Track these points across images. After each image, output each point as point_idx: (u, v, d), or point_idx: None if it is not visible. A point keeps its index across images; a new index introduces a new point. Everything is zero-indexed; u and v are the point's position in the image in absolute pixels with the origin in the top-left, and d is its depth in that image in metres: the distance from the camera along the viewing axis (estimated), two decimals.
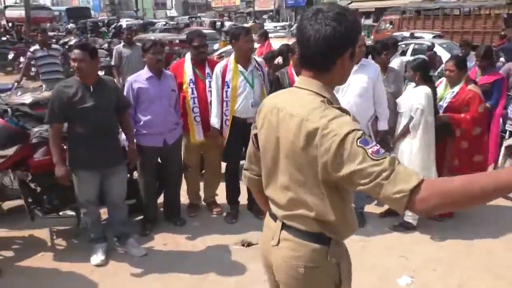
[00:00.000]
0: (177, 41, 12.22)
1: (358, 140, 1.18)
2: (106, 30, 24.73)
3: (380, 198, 1.16)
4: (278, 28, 25.64)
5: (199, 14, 43.57)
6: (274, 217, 1.53)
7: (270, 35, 16.82)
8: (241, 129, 3.73)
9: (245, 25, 22.12)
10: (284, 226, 1.47)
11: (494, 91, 4.45)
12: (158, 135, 3.62)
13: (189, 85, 3.81)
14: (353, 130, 1.20)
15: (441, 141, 3.81)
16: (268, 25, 26.58)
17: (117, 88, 3.38)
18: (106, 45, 14.49)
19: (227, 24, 25.57)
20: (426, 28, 18.78)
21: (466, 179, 1.09)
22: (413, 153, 3.66)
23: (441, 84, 4.09)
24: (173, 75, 3.80)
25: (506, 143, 4.60)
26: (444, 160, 3.87)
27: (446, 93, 3.93)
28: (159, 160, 3.86)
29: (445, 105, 3.85)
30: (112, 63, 7.18)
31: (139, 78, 3.62)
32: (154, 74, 3.60)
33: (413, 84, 3.89)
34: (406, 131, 3.72)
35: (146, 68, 3.67)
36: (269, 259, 1.56)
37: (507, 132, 4.69)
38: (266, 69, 4.17)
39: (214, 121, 3.79)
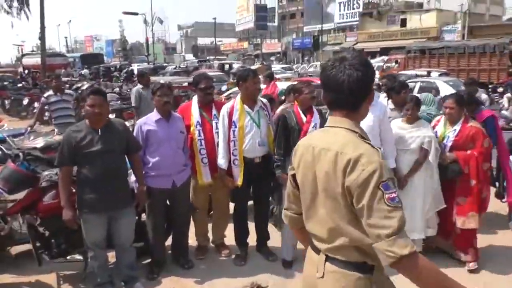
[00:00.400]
0: (186, 83, 12.50)
1: (381, 184, 1.36)
2: (118, 75, 25.49)
3: (373, 244, 1.38)
4: (285, 69, 26.20)
5: (208, 57, 44.84)
6: (316, 250, 1.63)
7: (277, 76, 17.17)
8: (249, 168, 3.74)
9: (253, 67, 22.69)
10: (328, 259, 1.56)
11: (488, 129, 4.19)
12: (167, 176, 3.63)
13: (196, 127, 3.86)
14: (380, 171, 1.38)
15: (450, 180, 3.76)
16: (276, 67, 27.19)
17: (127, 130, 3.43)
18: (117, 89, 14.86)
19: (235, 66, 26.19)
20: (431, 66, 19.02)
21: (442, 274, 1.37)
22: (435, 186, 3.79)
23: (440, 123, 4.02)
24: (181, 117, 3.86)
25: None
26: (453, 199, 3.79)
27: (447, 131, 3.87)
28: (167, 202, 3.85)
29: (449, 144, 3.81)
30: (133, 103, 7.57)
31: (148, 121, 3.69)
32: (163, 116, 3.66)
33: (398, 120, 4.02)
34: (419, 165, 3.75)
35: (155, 110, 3.74)
36: None
37: None
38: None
39: (221, 161, 3.80)
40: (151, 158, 3.61)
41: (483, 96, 7.33)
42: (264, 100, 4.02)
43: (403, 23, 39.07)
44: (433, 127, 4.00)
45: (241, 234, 4.04)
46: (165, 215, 3.82)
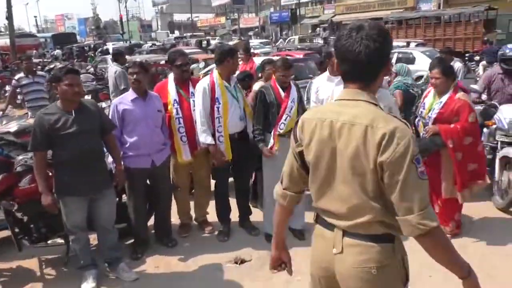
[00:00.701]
0: (163, 61, 12.26)
1: (415, 157, 1.36)
2: (92, 55, 24.78)
3: (400, 217, 1.38)
4: (263, 44, 25.93)
5: (185, 34, 43.91)
6: (330, 227, 1.57)
7: (256, 51, 16.93)
8: (229, 145, 3.75)
9: (231, 42, 22.34)
10: (346, 234, 1.52)
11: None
12: (146, 156, 3.60)
13: (174, 105, 3.80)
14: (413, 145, 1.37)
15: (435, 153, 3.74)
16: (254, 42, 26.88)
17: (100, 110, 3.35)
18: (92, 69, 14.47)
19: (213, 42, 25.79)
20: (408, 36, 19.12)
21: (453, 247, 1.43)
22: None
23: (430, 94, 3.88)
24: (158, 95, 3.79)
25: (499, 154, 4.37)
26: (438, 172, 3.78)
27: (435, 103, 3.75)
28: (147, 182, 3.83)
29: (434, 116, 3.71)
30: (121, 86, 6.61)
31: (124, 100, 3.62)
32: (139, 95, 3.60)
33: None
34: None
35: (130, 89, 3.67)
36: (331, 269, 1.57)
37: (499, 143, 4.48)
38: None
39: (207, 138, 3.69)
40: (129, 138, 3.56)
41: (457, 65, 7.38)
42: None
43: None
44: (423, 98, 3.95)
45: (223, 210, 4.06)
46: (145, 195, 3.80)
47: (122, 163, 3.46)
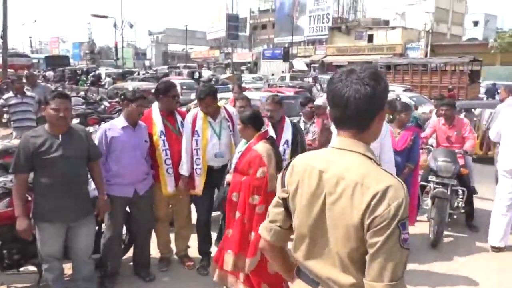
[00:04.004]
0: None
1: (401, 222, 1.24)
2: (84, 78, 24.83)
3: (367, 281, 1.26)
4: (255, 79, 26.36)
5: (178, 64, 44.45)
6: (313, 283, 1.44)
7: (248, 86, 17.13)
8: (209, 176, 3.73)
9: (223, 75, 22.62)
10: None
11: (415, 146, 4.53)
12: (129, 185, 3.53)
13: (160, 137, 3.75)
14: (404, 208, 1.25)
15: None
16: (246, 76, 27.31)
17: (88, 136, 3.30)
18: (82, 93, 14.46)
19: (205, 74, 26.13)
20: (396, 81, 19.65)
21: None
22: None
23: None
24: (146, 126, 3.76)
25: (431, 194, 4.78)
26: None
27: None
28: (128, 211, 3.73)
29: (233, 164, 3.42)
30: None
31: (114, 127, 3.57)
32: (130, 124, 3.57)
33: None
34: None
35: (121, 116, 3.63)
36: None
37: (431, 183, 4.85)
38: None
39: (181, 169, 3.74)
40: (114, 165, 3.50)
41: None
42: (232, 110, 3.99)
43: (370, 38, 40.30)
44: None
45: (203, 243, 3.98)
46: (123, 225, 3.70)
47: (105, 192, 3.38)
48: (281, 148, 3.68)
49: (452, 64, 19.58)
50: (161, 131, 3.77)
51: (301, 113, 5.49)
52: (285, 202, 1.50)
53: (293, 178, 1.46)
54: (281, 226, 1.54)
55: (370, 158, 1.36)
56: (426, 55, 33.51)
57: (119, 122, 3.61)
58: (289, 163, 1.53)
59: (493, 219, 4.57)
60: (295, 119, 4.50)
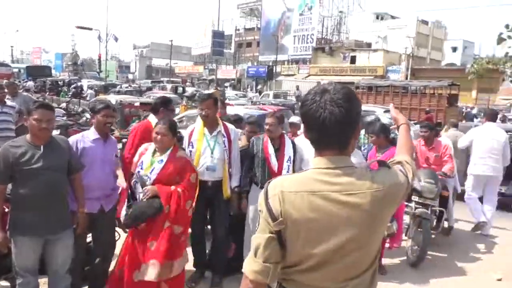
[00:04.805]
0: (138, 103, 12.25)
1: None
2: (66, 90, 24.51)
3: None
4: (238, 96, 26.50)
5: (162, 78, 44.37)
6: None
7: (231, 102, 17.24)
8: (202, 192, 3.69)
9: (207, 91, 22.65)
10: None
11: None
12: (95, 200, 3.43)
13: None
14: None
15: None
16: (229, 93, 27.44)
17: (70, 148, 3.24)
18: (64, 104, 14.26)
19: (189, 89, 26.13)
20: (377, 102, 20.04)
21: None
22: None
23: (147, 151, 3.44)
24: (116, 140, 3.73)
25: (411, 213, 4.92)
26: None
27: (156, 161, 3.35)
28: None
29: (154, 176, 3.33)
30: None
31: (85, 138, 3.49)
32: (101, 137, 3.52)
33: None
34: None
35: (92, 128, 3.57)
36: None
37: (413, 203, 4.95)
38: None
39: None
40: (82, 178, 3.36)
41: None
42: (231, 127, 3.97)
43: (353, 60, 41.21)
44: (140, 156, 3.44)
45: (197, 257, 3.99)
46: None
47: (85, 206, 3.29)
48: (284, 165, 3.72)
49: (431, 87, 20.12)
50: None
51: None
52: (279, 234, 1.39)
53: (287, 207, 1.36)
54: (276, 262, 1.42)
55: (357, 168, 1.42)
56: (406, 78, 34.34)
57: (90, 133, 3.53)
58: (266, 191, 1.42)
59: (467, 202, 5.99)
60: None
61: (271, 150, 3.77)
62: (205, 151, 3.76)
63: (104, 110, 3.52)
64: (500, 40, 5.86)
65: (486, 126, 6.08)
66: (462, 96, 22.88)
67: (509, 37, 5.82)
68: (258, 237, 1.43)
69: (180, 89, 26.82)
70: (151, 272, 3.05)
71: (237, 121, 5.36)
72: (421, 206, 4.86)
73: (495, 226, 6.09)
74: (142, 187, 3.23)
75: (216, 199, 3.81)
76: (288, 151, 3.73)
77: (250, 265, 1.43)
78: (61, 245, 3.07)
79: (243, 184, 3.85)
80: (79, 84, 25.77)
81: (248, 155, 3.88)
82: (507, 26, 5.79)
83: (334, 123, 1.33)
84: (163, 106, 4.00)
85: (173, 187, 3.18)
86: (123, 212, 3.33)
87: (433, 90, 20.16)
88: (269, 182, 1.45)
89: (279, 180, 1.45)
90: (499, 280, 4.47)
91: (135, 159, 3.42)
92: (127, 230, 3.39)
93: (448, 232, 5.63)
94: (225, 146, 3.82)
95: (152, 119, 3.96)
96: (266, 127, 3.83)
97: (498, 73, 25.63)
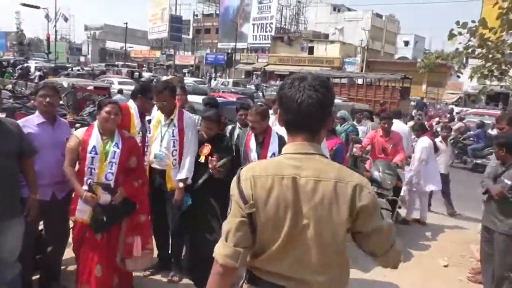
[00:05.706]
0: (92, 87, 11.77)
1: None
2: (11, 71, 23.06)
3: (382, 256, 1.52)
4: (197, 83, 26.13)
5: (117, 62, 42.81)
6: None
7: (190, 89, 16.94)
8: (153, 179, 3.68)
9: (165, 77, 22.17)
10: None
11: (338, 156, 4.59)
12: (46, 187, 3.23)
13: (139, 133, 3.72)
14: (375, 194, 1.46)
15: None
16: (188, 80, 27.00)
17: (21, 132, 3.04)
18: (10, 86, 13.43)
19: (146, 74, 25.45)
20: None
21: None
22: None
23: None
24: (67, 123, 3.56)
25: None
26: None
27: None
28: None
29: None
30: None
31: (29, 123, 3.26)
32: (47, 120, 3.32)
33: None
34: None
35: (37, 112, 3.35)
36: None
37: None
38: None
39: None
40: None
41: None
42: (187, 115, 3.80)
43: (311, 50, 41.78)
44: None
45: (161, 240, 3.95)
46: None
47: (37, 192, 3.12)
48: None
49: (385, 80, 20.84)
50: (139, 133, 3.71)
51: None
52: (250, 218, 1.40)
53: (258, 190, 1.39)
54: (247, 246, 1.42)
55: (327, 158, 1.46)
56: (362, 70, 35.35)
57: (35, 118, 3.31)
58: (238, 176, 1.44)
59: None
60: (233, 125, 4.47)
61: (252, 144, 3.56)
62: (157, 138, 3.69)
63: (42, 89, 3.33)
64: (451, 36, 6.09)
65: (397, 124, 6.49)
66: (413, 89, 23.93)
67: (459, 33, 6.06)
68: (229, 221, 1.44)
69: (136, 74, 26.04)
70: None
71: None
72: (378, 196, 5.03)
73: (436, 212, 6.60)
74: (109, 193, 3.12)
75: (165, 188, 3.70)
76: (273, 147, 3.45)
77: (221, 249, 1.43)
78: (9, 232, 2.90)
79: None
80: (25, 65, 24.36)
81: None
82: (457, 23, 6.02)
83: (310, 106, 1.39)
84: (141, 94, 3.80)
85: (136, 184, 3.23)
86: (86, 212, 3.20)
87: (387, 82, 20.91)
88: (242, 168, 1.48)
89: (252, 165, 1.50)
90: (446, 266, 4.74)
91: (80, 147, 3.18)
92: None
93: (406, 221, 6.02)
94: (173, 136, 3.65)
95: (132, 104, 3.81)
96: (250, 124, 3.59)
97: (446, 68, 26.93)
